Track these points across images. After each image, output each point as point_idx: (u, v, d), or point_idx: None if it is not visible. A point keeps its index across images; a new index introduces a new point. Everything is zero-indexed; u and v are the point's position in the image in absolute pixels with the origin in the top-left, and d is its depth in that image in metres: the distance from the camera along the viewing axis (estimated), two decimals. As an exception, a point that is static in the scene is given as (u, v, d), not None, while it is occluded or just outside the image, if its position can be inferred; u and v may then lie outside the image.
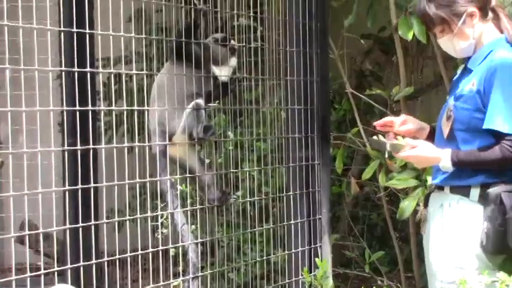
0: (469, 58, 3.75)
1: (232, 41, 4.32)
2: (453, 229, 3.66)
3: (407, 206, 4.75)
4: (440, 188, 3.79)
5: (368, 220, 6.76)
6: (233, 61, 4.30)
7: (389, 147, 3.72)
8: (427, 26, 3.86)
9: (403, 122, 3.95)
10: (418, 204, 4.74)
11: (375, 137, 3.86)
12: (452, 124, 3.65)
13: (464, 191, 3.64)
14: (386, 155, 4.15)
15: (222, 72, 4.24)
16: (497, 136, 3.52)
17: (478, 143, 3.59)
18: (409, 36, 4.82)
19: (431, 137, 3.92)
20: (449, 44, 3.73)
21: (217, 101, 4.52)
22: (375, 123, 4.00)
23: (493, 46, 3.64)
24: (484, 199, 3.55)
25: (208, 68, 4.21)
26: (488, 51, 3.63)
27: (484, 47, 3.67)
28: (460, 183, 3.66)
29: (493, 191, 3.52)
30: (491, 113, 3.51)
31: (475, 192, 3.60)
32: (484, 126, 3.52)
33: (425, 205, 3.93)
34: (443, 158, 3.63)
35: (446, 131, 3.69)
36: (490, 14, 3.70)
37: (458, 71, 3.93)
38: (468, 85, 3.62)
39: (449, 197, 3.70)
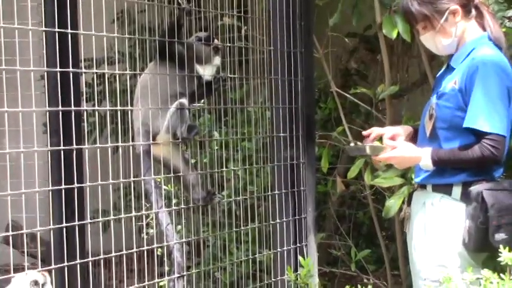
0: (451, 56, 3.76)
1: (215, 40, 4.32)
2: (435, 227, 3.67)
3: (393, 204, 4.75)
4: (422, 186, 3.80)
5: (354, 219, 6.77)
6: (217, 60, 4.30)
7: (369, 151, 3.73)
8: (409, 22, 3.86)
9: (392, 138, 3.91)
10: (403, 203, 4.75)
11: (352, 144, 3.87)
12: (434, 122, 3.66)
13: (446, 189, 3.65)
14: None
15: (206, 72, 4.24)
16: (478, 135, 3.53)
17: (460, 141, 3.60)
18: (394, 35, 4.82)
19: (414, 137, 3.93)
20: (432, 41, 3.74)
21: (202, 101, 4.52)
22: (363, 133, 3.99)
23: (475, 44, 3.65)
24: (466, 197, 3.57)
25: (192, 68, 4.21)
26: (471, 49, 3.64)
27: (467, 44, 3.68)
28: (442, 181, 3.67)
29: (474, 189, 3.53)
30: (471, 111, 3.52)
31: (457, 190, 3.62)
32: (465, 125, 3.53)
33: (409, 203, 3.95)
34: (423, 157, 3.65)
35: (428, 129, 3.70)
36: (473, 12, 3.70)
37: (442, 69, 3.94)
38: (450, 83, 3.63)
39: (431, 195, 3.71)
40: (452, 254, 3.60)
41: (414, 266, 3.82)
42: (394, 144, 3.72)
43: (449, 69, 3.74)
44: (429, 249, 3.69)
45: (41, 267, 3.42)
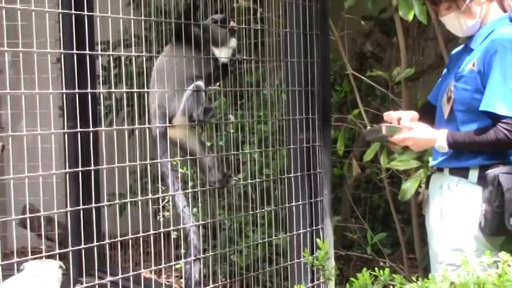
0: (471, 37, 3.73)
1: (231, 22, 4.30)
2: (452, 211, 3.66)
3: (409, 187, 4.74)
4: (440, 169, 3.78)
5: (370, 202, 6.76)
6: (233, 42, 4.28)
7: (385, 131, 3.70)
8: (433, 2, 3.82)
9: (412, 119, 3.86)
10: (420, 186, 4.74)
11: (368, 127, 3.84)
12: (452, 105, 3.63)
13: (463, 173, 3.63)
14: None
15: (222, 54, 4.23)
16: (495, 118, 3.50)
17: (477, 124, 3.57)
18: (410, 17, 4.79)
19: (420, 120, 3.90)
20: (455, 22, 3.70)
21: (217, 84, 4.52)
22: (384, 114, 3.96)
23: (494, 25, 3.62)
24: (482, 181, 3.55)
25: (208, 50, 4.20)
26: (490, 30, 3.61)
27: (486, 26, 3.65)
28: (459, 164, 3.65)
29: (491, 172, 3.51)
30: (488, 94, 3.49)
31: (473, 174, 3.60)
32: (481, 108, 3.50)
33: (427, 186, 3.93)
34: (439, 138, 3.63)
35: (446, 111, 3.68)
36: None
37: (458, 48, 3.91)
38: (469, 65, 3.60)
39: (448, 178, 3.70)
40: (468, 237, 3.59)
41: (432, 249, 3.81)
42: (410, 126, 3.71)
43: (468, 50, 3.71)
44: (445, 233, 3.68)
45: (58, 250, 3.43)
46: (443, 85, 3.81)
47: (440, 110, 3.78)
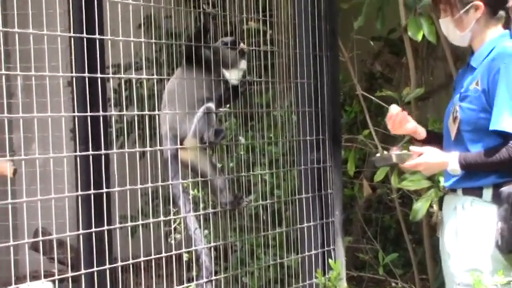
0: (472, 55, 3.73)
1: (241, 44, 4.32)
2: (467, 231, 3.63)
3: (420, 207, 4.74)
4: (453, 190, 3.76)
5: (381, 222, 6.74)
6: (243, 64, 4.30)
7: (396, 159, 3.68)
8: (433, 0, 3.83)
9: (403, 117, 3.90)
10: (431, 206, 4.73)
11: (378, 154, 3.82)
12: (458, 125, 3.62)
13: (477, 192, 3.61)
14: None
15: (232, 76, 4.24)
16: (504, 136, 3.49)
17: (485, 143, 3.55)
18: (419, 37, 4.81)
19: (428, 142, 3.87)
20: (446, 27, 3.71)
21: (228, 105, 4.52)
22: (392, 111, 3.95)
23: (495, 42, 3.60)
24: (497, 199, 3.53)
25: (218, 72, 4.21)
26: (491, 48, 3.59)
27: (486, 43, 3.63)
28: (472, 184, 3.63)
29: (505, 190, 3.50)
30: (496, 113, 3.47)
31: (487, 192, 3.58)
32: (491, 128, 3.49)
33: (440, 207, 3.92)
34: (450, 162, 3.60)
35: (453, 132, 3.66)
36: (501, 13, 3.65)
37: (461, 69, 3.92)
38: (472, 84, 3.59)
39: (462, 198, 3.67)
40: (485, 257, 3.56)
41: (448, 271, 3.78)
42: (420, 150, 3.67)
43: (470, 68, 3.70)
44: (462, 254, 3.65)
45: (70, 273, 3.43)
46: (449, 106, 3.80)
47: (447, 131, 3.77)
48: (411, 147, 3.71)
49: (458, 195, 3.70)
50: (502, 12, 3.65)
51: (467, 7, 3.60)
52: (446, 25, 3.71)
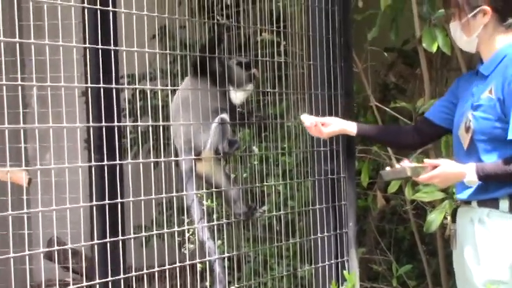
0: (480, 62, 3.71)
1: (254, 69, 4.32)
2: (487, 243, 3.59)
3: (434, 219, 4.73)
4: (466, 202, 3.72)
5: (395, 233, 6.73)
6: (250, 87, 4.30)
7: (410, 173, 3.58)
8: (444, 4, 3.82)
9: (323, 124, 4.04)
10: (445, 217, 4.72)
11: (388, 168, 3.74)
12: (472, 135, 3.59)
13: (493, 204, 3.57)
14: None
15: (237, 95, 4.26)
16: None
17: (500, 153, 3.52)
18: (434, 48, 4.80)
19: (363, 135, 4.15)
20: (454, 31, 3.70)
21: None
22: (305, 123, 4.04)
23: (507, 50, 3.57)
24: None
25: (225, 86, 4.23)
26: (503, 56, 3.56)
27: (498, 52, 3.60)
28: (487, 196, 3.59)
29: None
30: None
31: (504, 203, 3.54)
32: (509, 137, 3.46)
33: (453, 220, 3.89)
34: (468, 173, 3.53)
35: (466, 142, 3.62)
36: (510, 20, 3.63)
37: (466, 74, 3.89)
38: (485, 93, 3.55)
39: (478, 211, 3.64)
40: (507, 267, 3.54)
41: (469, 283, 3.72)
42: (435, 163, 3.60)
43: (480, 76, 3.67)
44: (482, 266, 3.61)
45: (85, 283, 3.44)
46: (458, 115, 3.76)
47: (457, 141, 3.73)
48: (426, 160, 3.66)
49: (473, 207, 3.66)
50: (511, 20, 3.62)
51: (474, 11, 3.58)
52: (455, 29, 3.70)
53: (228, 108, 4.18)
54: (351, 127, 4.11)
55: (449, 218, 4.65)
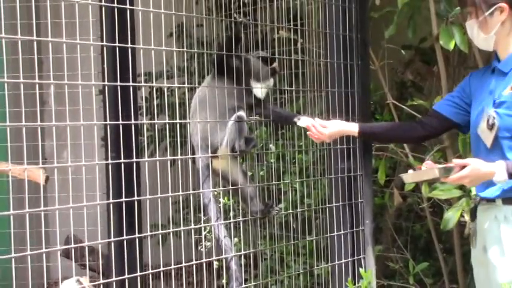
0: (497, 59, 3.69)
1: (275, 63, 4.32)
2: None
3: (451, 216, 4.71)
4: (489, 200, 3.68)
5: (411, 231, 6.71)
6: (271, 81, 4.31)
7: (440, 174, 3.48)
8: (460, 3, 3.80)
9: (323, 126, 4.04)
10: (462, 215, 4.70)
11: (411, 171, 3.67)
12: (496, 132, 3.56)
13: None
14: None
15: (259, 90, 4.26)
16: None
17: None
18: (451, 46, 4.78)
19: (368, 135, 4.13)
20: (472, 30, 3.68)
21: (257, 114, 4.54)
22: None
23: None
24: None
25: (247, 83, 4.23)
26: None
27: None
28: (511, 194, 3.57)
29: None
30: None
31: None
32: None
33: (473, 218, 3.85)
34: (498, 171, 3.46)
35: (489, 140, 3.59)
36: None
37: (480, 71, 3.86)
38: (507, 89, 3.53)
39: (502, 208, 3.61)
40: None
41: (491, 282, 3.68)
42: (464, 162, 3.51)
43: (498, 73, 3.64)
44: (509, 263, 3.58)
45: (102, 280, 3.45)
46: (475, 114, 3.73)
47: (476, 138, 3.69)
48: (454, 160, 3.58)
49: (498, 205, 3.62)
50: None
51: (492, 9, 3.57)
52: (471, 28, 3.68)
53: (245, 106, 4.19)
54: (351, 127, 4.10)
55: (466, 215, 4.63)
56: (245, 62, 4.18)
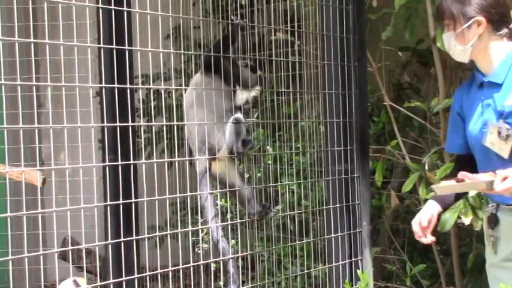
0: (478, 72, 3.69)
1: (259, 71, 4.32)
2: None
3: (448, 218, 4.71)
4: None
5: (409, 233, 6.71)
6: (257, 88, 4.30)
7: (487, 186, 3.38)
8: (438, 16, 3.81)
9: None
10: (459, 217, 4.70)
11: (443, 183, 3.58)
12: None
13: None
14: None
15: (242, 96, 4.25)
16: None
17: None
18: (448, 48, 4.79)
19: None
20: (448, 41, 3.68)
21: (255, 115, 4.54)
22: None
23: None
24: None
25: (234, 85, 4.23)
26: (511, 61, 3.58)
27: (504, 59, 3.59)
28: None
29: None
30: None
31: None
32: None
33: (493, 226, 3.79)
34: None
35: (506, 150, 3.52)
36: (505, 30, 3.62)
37: (465, 86, 3.85)
38: (508, 100, 3.54)
39: None
40: None
41: None
42: (506, 174, 3.38)
43: (490, 86, 3.62)
44: None
45: (99, 282, 3.45)
46: (474, 129, 3.69)
47: (483, 151, 3.66)
48: (498, 171, 3.54)
49: None
50: (505, 29, 3.62)
51: (469, 22, 3.58)
52: (449, 40, 3.69)
53: (242, 108, 4.19)
54: (438, 208, 3.96)
55: (463, 217, 4.62)
56: (234, 66, 4.17)
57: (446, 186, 3.55)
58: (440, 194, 3.79)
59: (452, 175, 3.73)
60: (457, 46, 3.64)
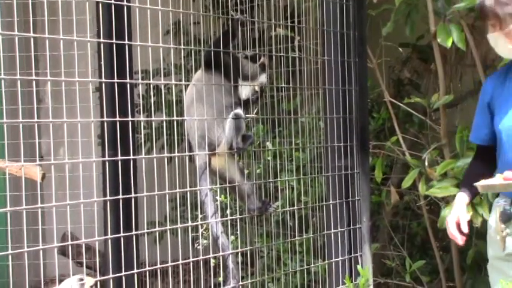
0: None
1: (262, 58, 4.31)
2: None
3: (448, 214, 4.70)
4: None
5: (408, 229, 6.71)
6: (263, 78, 4.30)
7: None
8: (482, 17, 3.80)
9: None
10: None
11: (486, 182, 3.58)
12: None
13: None
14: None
15: (243, 91, 4.25)
16: None
17: None
18: (448, 44, 4.78)
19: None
20: (496, 41, 3.68)
21: (255, 111, 4.54)
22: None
23: None
24: None
25: (236, 80, 4.22)
26: None
27: None
28: None
29: None
30: None
31: None
32: None
33: (505, 221, 3.79)
34: None
35: None
36: None
37: (493, 78, 3.86)
38: None
39: None
40: None
41: None
42: None
43: None
44: None
45: (99, 277, 3.45)
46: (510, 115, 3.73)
47: None
48: None
49: None
50: None
51: None
52: (495, 39, 3.69)
53: (242, 103, 4.18)
54: (465, 201, 3.97)
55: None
56: (235, 60, 4.17)
57: (489, 186, 3.57)
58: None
59: (471, 165, 3.78)
60: (506, 45, 3.65)
